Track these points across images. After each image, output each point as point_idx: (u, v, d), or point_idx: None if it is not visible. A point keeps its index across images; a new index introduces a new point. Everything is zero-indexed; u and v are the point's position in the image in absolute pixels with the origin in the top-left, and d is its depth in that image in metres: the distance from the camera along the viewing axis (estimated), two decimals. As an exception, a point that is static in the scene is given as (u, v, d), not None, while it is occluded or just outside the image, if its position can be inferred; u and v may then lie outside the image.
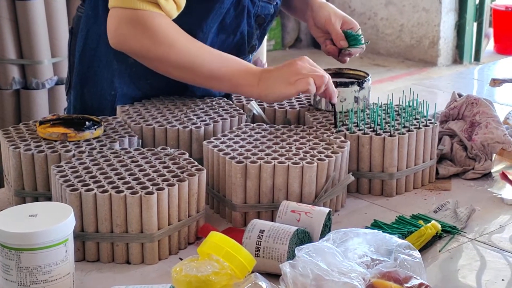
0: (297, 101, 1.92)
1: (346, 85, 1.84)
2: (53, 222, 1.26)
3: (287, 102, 1.91)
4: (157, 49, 1.67)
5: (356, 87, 1.84)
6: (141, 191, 1.42)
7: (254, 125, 1.76)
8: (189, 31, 1.71)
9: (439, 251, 1.49)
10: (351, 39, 1.94)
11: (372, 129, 1.73)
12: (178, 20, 1.70)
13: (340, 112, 1.80)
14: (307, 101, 1.92)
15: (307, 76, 1.68)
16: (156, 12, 1.66)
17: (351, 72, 1.95)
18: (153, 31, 1.66)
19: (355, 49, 1.97)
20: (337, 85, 1.81)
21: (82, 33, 1.89)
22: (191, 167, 1.52)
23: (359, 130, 1.73)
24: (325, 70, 1.79)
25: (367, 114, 1.80)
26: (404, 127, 1.74)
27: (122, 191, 1.42)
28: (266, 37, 2.35)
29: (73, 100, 1.93)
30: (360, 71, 1.94)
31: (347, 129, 1.73)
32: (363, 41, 1.96)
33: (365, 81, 1.86)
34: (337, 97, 1.80)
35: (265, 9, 1.92)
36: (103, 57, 1.87)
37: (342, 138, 1.67)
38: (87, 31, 1.88)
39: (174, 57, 1.68)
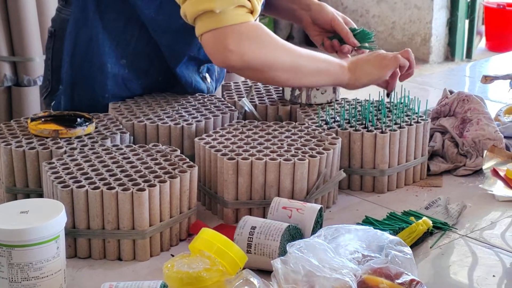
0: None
1: None
2: (45, 219, 1.26)
3: (279, 99, 1.91)
4: (271, 55, 1.67)
5: None
6: (133, 188, 1.41)
7: (246, 121, 1.76)
8: (190, 30, 1.70)
9: (430, 247, 1.50)
10: (360, 34, 1.95)
11: (363, 125, 1.74)
12: (179, 21, 1.68)
13: (323, 104, 1.86)
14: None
15: (395, 56, 1.82)
16: (252, 20, 1.65)
17: None
18: (262, 39, 1.66)
19: (365, 49, 1.98)
20: None
21: (70, 36, 1.86)
22: (183, 164, 1.52)
23: (351, 126, 1.73)
24: None
25: (358, 111, 1.81)
26: (396, 123, 1.74)
27: (114, 188, 1.42)
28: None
29: (63, 104, 1.92)
30: None
31: (339, 126, 1.73)
32: (373, 34, 1.98)
33: None
34: (318, 89, 1.85)
35: None
36: (95, 60, 1.86)
37: (334, 135, 1.68)
38: (76, 34, 1.86)
39: (287, 62, 1.70)
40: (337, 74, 1.78)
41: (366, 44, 1.98)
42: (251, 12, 1.65)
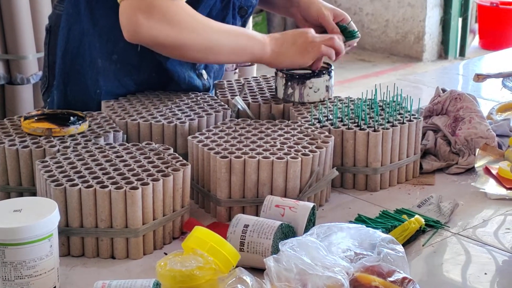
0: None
1: (318, 75, 1.88)
2: (38, 217, 1.26)
3: (272, 98, 1.92)
4: (182, 35, 1.68)
5: (327, 77, 1.89)
6: (126, 186, 1.42)
7: (239, 120, 1.76)
8: None
9: (423, 245, 1.50)
10: (345, 32, 1.95)
11: (356, 124, 1.74)
12: None
13: (316, 102, 1.87)
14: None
15: (319, 44, 1.83)
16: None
17: None
18: (174, 18, 1.66)
19: (352, 41, 1.98)
20: (310, 76, 1.86)
21: (63, 31, 1.87)
22: (176, 162, 1.53)
23: (343, 125, 1.73)
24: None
25: (351, 109, 1.81)
26: (388, 122, 1.75)
27: (107, 186, 1.42)
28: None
29: (56, 99, 1.92)
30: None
31: (332, 124, 1.73)
32: (358, 34, 1.98)
33: (331, 70, 1.91)
34: (311, 88, 1.85)
35: (248, 0, 1.94)
36: (87, 56, 1.86)
37: (326, 133, 1.68)
38: (69, 30, 1.86)
39: (198, 41, 1.71)
40: (257, 52, 1.80)
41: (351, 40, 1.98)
42: None
